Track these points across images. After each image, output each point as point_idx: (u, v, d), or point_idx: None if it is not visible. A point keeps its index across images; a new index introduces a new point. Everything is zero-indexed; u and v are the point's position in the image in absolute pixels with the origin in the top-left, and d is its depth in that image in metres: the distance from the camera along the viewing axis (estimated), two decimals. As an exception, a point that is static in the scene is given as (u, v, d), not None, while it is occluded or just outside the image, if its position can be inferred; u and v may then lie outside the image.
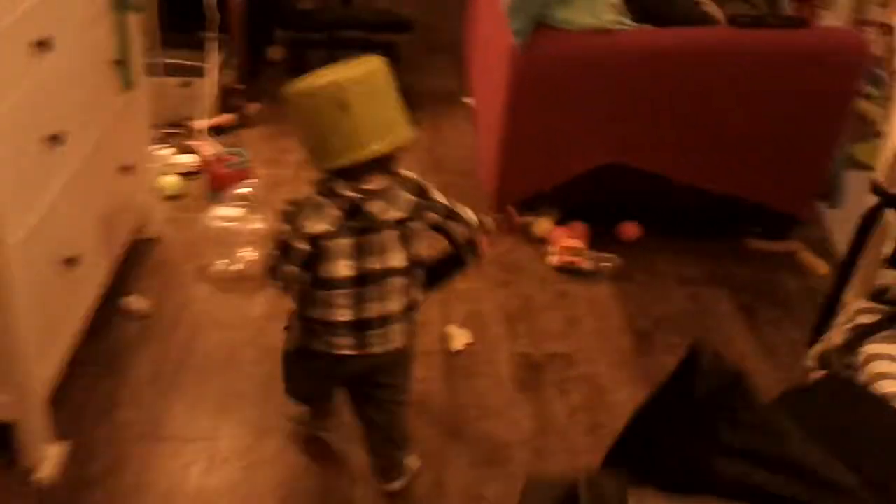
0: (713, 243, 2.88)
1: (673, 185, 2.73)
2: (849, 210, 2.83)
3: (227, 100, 3.51)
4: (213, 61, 3.39)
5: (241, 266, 2.59)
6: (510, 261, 2.75)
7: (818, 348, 1.72)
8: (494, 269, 2.70)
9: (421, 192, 1.68)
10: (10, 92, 1.66)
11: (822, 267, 2.77)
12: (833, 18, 4.71)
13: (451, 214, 1.73)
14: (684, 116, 2.64)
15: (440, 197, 1.73)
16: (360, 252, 1.63)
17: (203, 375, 2.22)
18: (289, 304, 1.79)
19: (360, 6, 4.12)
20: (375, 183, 1.61)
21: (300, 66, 3.94)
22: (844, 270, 1.72)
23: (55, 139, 1.85)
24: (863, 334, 1.58)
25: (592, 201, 2.84)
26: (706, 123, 2.66)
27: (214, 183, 2.92)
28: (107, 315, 2.35)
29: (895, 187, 1.64)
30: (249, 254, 2.60)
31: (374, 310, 1.67)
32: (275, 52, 4.08)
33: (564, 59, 2.58)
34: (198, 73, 3.39)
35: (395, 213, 1.64)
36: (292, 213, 1.62)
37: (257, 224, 2.67)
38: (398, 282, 1.67)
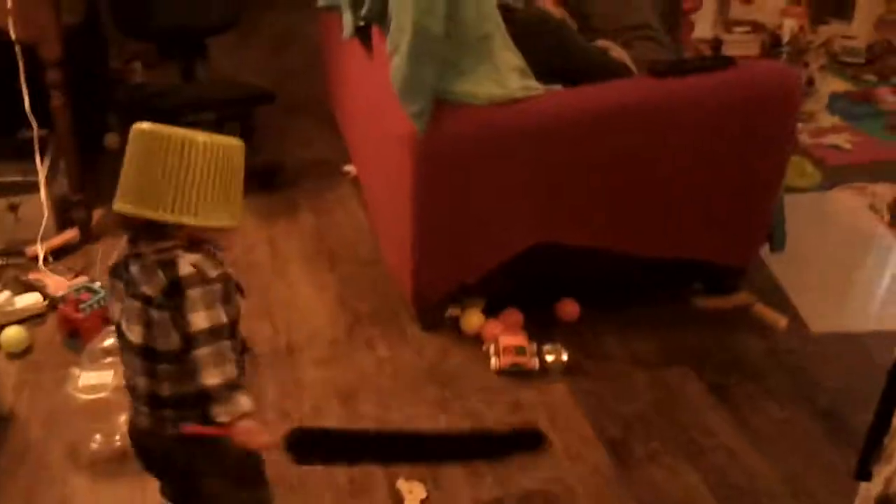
0: (659, 309, 2.58)
1: (607, 254, 2.41)
2: (792, 249, 2.62)
3: (64, 213, 2.94)
4: (41, 172, 2.82)
5: (121, 440, 2.07)
6: (444, 371, 2.35)
7: (877, 489, 1.41)
8: (430, 387, 2.29)
9: (174, 289, 1.39)
10: None
11: (780, 320, 2.52)
12: (700, 21, 4.58)
13: (187, 350, 1.39)
14: (612, 182, 2.33)
15: (195, 319, 1.38)
16: (122, 303, 1.47)
17: None
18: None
19: (206, 81, 3.60)
20: (145, 244, 1.43)
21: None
22: (893, 388, 1.42)
23: None
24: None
25: (522, 283, 2.48)
26: (637, 186, 2.35)
27: (69, 329, 2.38)
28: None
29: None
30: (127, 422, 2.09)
31: (127, 374, 1.53)
32: (112, 140, 3.51)
33: (472, 137, 2.21)
34: (26, 188, 2.81)
35: (145, 289, 1.42)
36: None
37: (132, 378, 2.15)
38: (137, 361, 1.47)
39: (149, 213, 1.38)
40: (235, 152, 1.43)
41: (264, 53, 4.62)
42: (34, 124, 2.74)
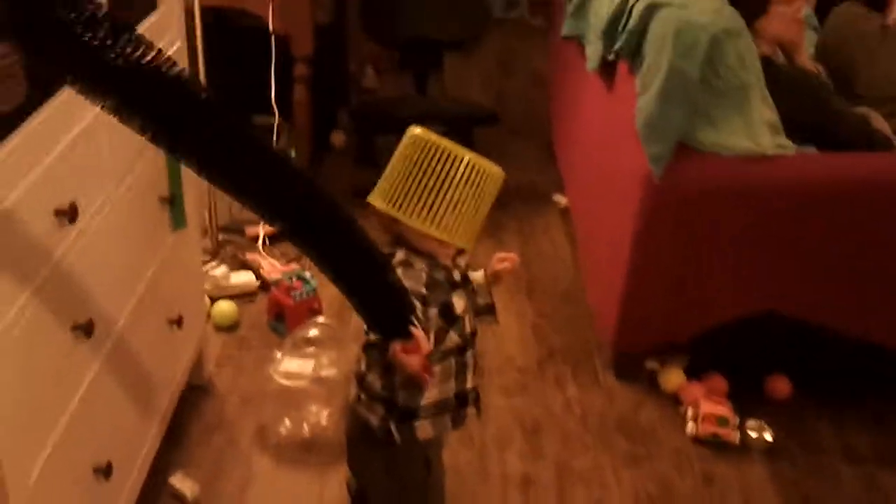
0: (878, 402, 2.35)
1: (831, 334, 2.23)
2: None
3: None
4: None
5: (310, 429, 2.11)
6: (635, 424, 2.25)
7: None
8: (620, 437, 2.19)
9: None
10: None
11: None
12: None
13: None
14: (850, 258, 2.15)
15: None
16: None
17: None
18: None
19: (438, 95, 3.66)
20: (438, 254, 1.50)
21: (367, 154, 3.52)
22: None
23: (85, 328, 1.40)
24: None
25: (732, 349, 2.33)
26: (876, 266, 2.16)
27: (277, 313, 2.46)
28: (152, 499, 1.88)
29: None
30: (319, 413, 2.13)
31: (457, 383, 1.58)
32: (337, 138, 3.64)
33: (711, 190, 2.10)
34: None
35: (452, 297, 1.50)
36: None
37: (328, 371, 2.20)
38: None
39: (398, 214, 1.42)
40: (494, 179, 1.47)
41: (489, 73, 4.67)
42: (276, 113, 2.86)
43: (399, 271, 1.44)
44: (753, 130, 2.08)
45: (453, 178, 1.42)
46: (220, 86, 2.96)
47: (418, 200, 1.41)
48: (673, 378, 2.34)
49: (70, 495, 1.45)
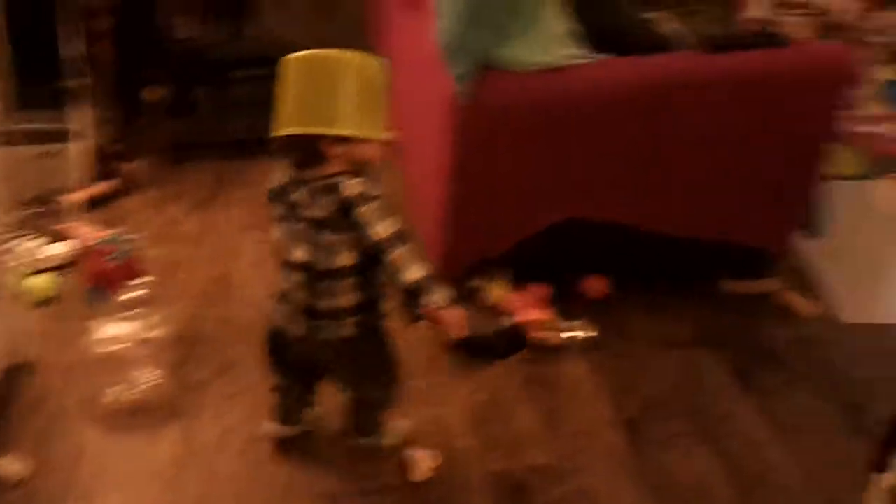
0: (687, 292, 2.53)
1: (639, 233, 2.37)
2: (830, 237, 2.54)
3: (102, 163, 2.97)
4: (80, 118, 2.84)
5: (138, 393, 2.09)
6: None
7: (891, 480, 1.37)
8: (448, 357, 2.27)
9: (345, 210, 1.56)
10: None
11: (809, 308, 2.46)
12: (755, 2, 4.45)
13: (381, 258, 1.56)
14: (650, 157, 2.28)
15: (379, 230, 1.54)
16: (283, 225, 1.66)
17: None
18: None
19: (254, 37, 3.58)
20: (309, 171, 1.58)
21: (187, 107, 3.43)
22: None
23: None
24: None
25: (549, 257, 2.44)
26: (676, 164, 2.30)
27: (94, 280, 2.40)
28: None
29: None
30: (148, 375, 2.11)
31: (284, 286, 1.71)
32: (152, 93, 3.51)
33: (515, 105, 2.17)
34: (64, 136, 2.83)
35: (313, 212, 1.59)
36: None
37: (154, 331, 2.18)
38: (297, 277, 1.65)
39: (315, 130, 1.51)
40: (379, 69, 1.57)
41: (308, 15, 4.59)
42: (74, 73, 2.74)
43: (366, 182, 1.55)
44: (548, 43, 2.14)
45: (350, 80, 1.51)
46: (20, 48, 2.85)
47: (326, 110, 1.50)
48: (498, 292, 2.44)
49: None
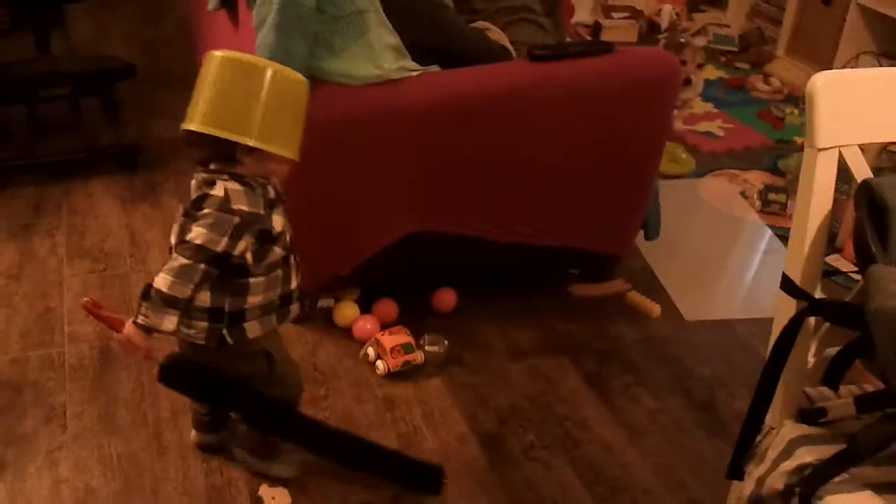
0: (536, 298, 2.55)
1: (483, 242, 2.35)
2: (665, 236, 2.62)
3: None
4: None
5: (-47, 450, 1.88)
6: (317, 366, 2.25)
7: (749, 489, 1.39)
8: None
9: (198, 203, 1.56)
10: None
11: (654, 308, 2.52)
12: (580, 6, 4.58)
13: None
14: (487, 168, 2.26)
15: (191, 231, 1.53)
16: None
17: None
18: None
19: (62, 54, 3.34)
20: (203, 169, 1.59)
21: (-5, 130, 3.15)
22: (765, 386, 1.40)
23: None
24: (811, 479, 1.27)
25: (397, 272, 2.39)
26: (513, 172, 2.29)
27: None
28: None
29: (812, 287, 1.34)
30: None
31: None
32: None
33: (344, 120, 2.09)
34: None
35: (189, 200, 1.59)
36: None
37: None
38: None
39: (227, 134, 1.49)
40: (304, 87, 1.58)
41: (130, 22, 4.36)
42: None
43: (240, 194, 1.54)
44: (375, 55, 2.08)
45: (274, 90, 1.50)
46: None
47: (243, 118, 1.49)
48: (347, 312, 2.37)
49: None
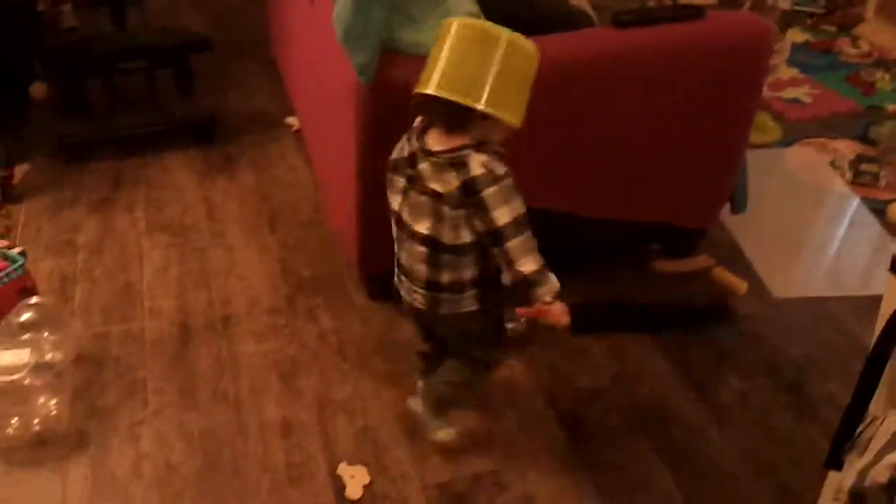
0: (617, 273, 2.47)
1: (565, 216, 2.28)
2: (752, 209, 2.51)
3: (-16, 170, 2.73)
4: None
5: (39, 424, 1.91)
6: (392, 343, 2.22)
7: (850, 481, 1.31)
8: (378, 359, 2.16)
9: (468, 189, 1.54)
10: None
11: (741, 285, 2.42)
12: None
13: (497, 243, 1.57)
14: (572, 140, 2.18)
15: (498, 215, 1.54)
16: (405, 197, 1.63)
17: None
18: None
19: (139, 27, 3.35)
20: (436, 142, 1.57)
21: (76, 104, 3.18)
22: (871, 375, 1.32)
23: None
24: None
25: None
26: (597, 143, 2.20)
27: (-17, 302, 2.19)
28: None
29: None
30: (48, 403, 1.93)
31: (404, 259, 1.70)
32: (38, 90, 3.25)
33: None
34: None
35: (435, 185, 1.57)
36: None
37: (51, 355, 2.00)
38: (420, 250, 1.63)
39: (466, 101, 1.49)
40: (536, 59, 1.58)
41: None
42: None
43: (493, 161, 1.55)
44: (455, 26, 2.01)
45: (513, 61, 1.51)
46: None
47: (480, 86, 1.49)
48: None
49: None
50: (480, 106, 1.49)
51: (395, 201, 1.67)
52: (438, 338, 1.87)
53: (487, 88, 1.49)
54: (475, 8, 2.08)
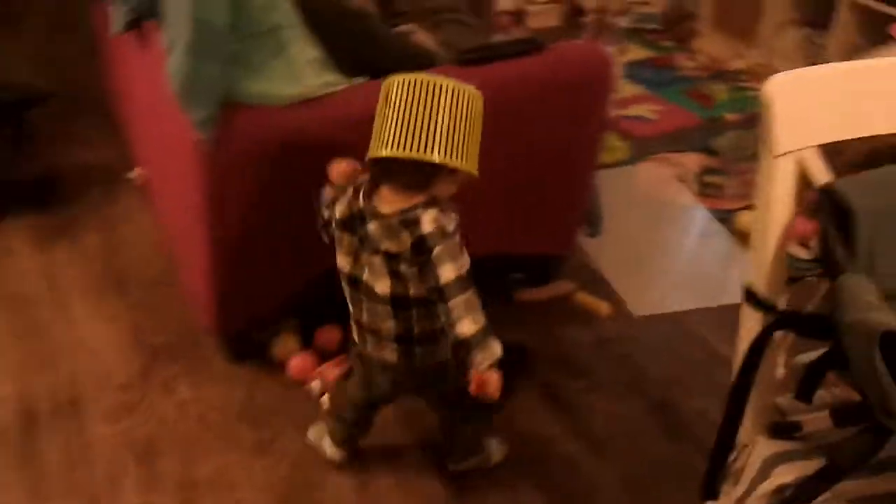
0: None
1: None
2: (606, 228, 2.56)
3: None
4: None
5: None
6: (259, 407, 2.12)
7: (726, 509, 1.33)
8: (243, 427, 2.05)
9: (418, 247, 1.53)
10: None
11: (603, 307, 2.46)
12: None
13: (441, 300, 1.53)
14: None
15: (443, 272, 1.51)
16: (357, 258, 1.63)
17: None
18: None
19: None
20: (386, 202, 1.56)
21: None
22: (736, 403, 1.33)
23: None
24: (793, 501, 1.21)
25: (336, 297, 2.27)
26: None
27: None
28: None
29: (777, 299, 1.27)
30: None
31: (365, 319, 1.67)
32: None
33: (267, 142, 1.95)
34: None
35: (388, 246, 1.57)
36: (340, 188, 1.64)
37: None
38: (385, 308, 1.62)
39: (420, 156, 1.48)
40: (476, 98, 1.56)
41: (38, 41, 4.10)
42: None
43: (442, 215, 1.54)
44: (297, 72, 1.95)
45: (460, 109, 1.51)
46: None
47: (432, 138, 1.48)
48: (287, 345, 2.24)
49: None
50: (447, 159, 1.50)
51: (347, 263, 1.64)
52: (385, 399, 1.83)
53: (447, 141, 1.50)
54: (317, 52, 2.03)
